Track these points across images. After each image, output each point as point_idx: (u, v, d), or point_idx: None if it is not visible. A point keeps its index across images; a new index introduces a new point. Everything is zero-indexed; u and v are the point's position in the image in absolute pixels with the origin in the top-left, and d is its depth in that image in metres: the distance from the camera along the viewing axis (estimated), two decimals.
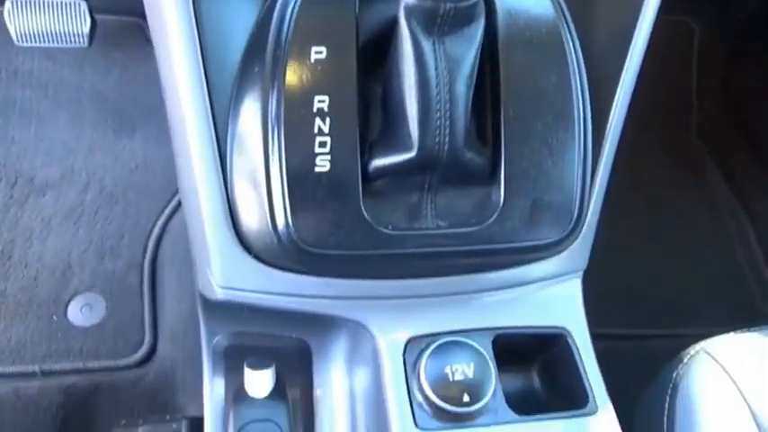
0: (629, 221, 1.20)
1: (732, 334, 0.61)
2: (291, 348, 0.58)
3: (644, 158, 1.28)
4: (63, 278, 1.04)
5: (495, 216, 0.46)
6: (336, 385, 0.57)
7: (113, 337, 0.99)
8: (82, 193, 1.12)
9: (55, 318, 1.00)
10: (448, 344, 0.49)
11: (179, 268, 1.04)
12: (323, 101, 0.43)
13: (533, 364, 0.56)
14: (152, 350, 0.98)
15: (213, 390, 0.56)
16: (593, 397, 0.49)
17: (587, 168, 0.48)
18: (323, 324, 0.55)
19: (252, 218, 0.46)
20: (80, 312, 1.01)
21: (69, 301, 1.02)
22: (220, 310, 0.56)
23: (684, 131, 1.37)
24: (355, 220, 0.44)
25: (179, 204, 1.11)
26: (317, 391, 0.57)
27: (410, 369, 0.48)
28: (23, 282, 1.03)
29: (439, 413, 0.46)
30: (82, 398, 0.92)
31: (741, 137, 1.33)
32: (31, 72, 1.19)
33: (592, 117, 0.49)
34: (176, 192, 1.12)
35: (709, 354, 0.59)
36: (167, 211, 1.10)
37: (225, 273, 0.48)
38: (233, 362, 0.57)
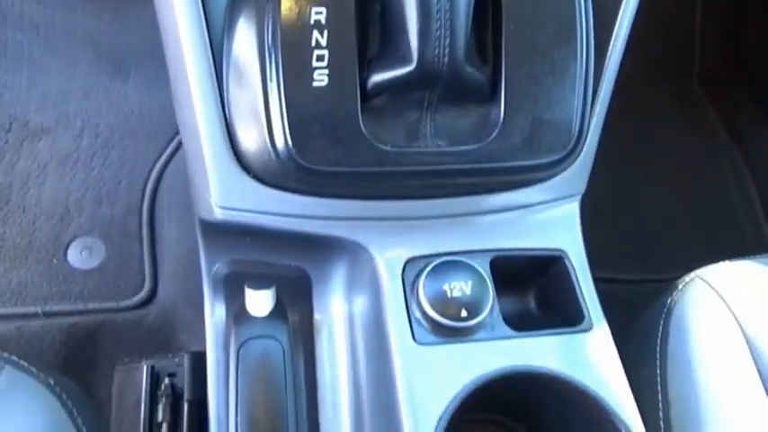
0: (628, 168, 1.20)
1: (727, 262, 0.61)
2: (291, 277, 0.58)
3: (645, 105, 1.27)
4: (61, 222, 1.04)
5: (494, 134, 0.46)
6: (336, 310, 0.57)
7: (114, 279, 1.00)
8: (77, 139, 1.11)
9: (55, 261, 1.01)
10: (446, 263, 0.49)
11: (177, 212, 1.04)
12: (320, 12, 0.43)
13: (530, 288, 0.56)
14: (152, 292, 0.99)
15: (214, 313, 0.57)
16: (589, 315, 0.50)
17: (588, 87, 0.48)
18: (321, 252, 0.56)
19: (249, 135, 0.46)
20: (80, 255, 1.02)
21: (69, 244, 1.02)
22: (220, 237, 0.56)
23: (686, 78, 1.35)
24: (354, 136, 0.44)
25: (176, 150, 1.11)
26: (317, 316, 0.58)
27: (409, 288, 0.49)
28: (22, 226, 1.03)
29: (437, 328, 0.47)
30: (84, 336, 0.93)
31: (743, 84, 1.32)
32: (21, 15, 1.17)
33: (594, 36, 0.49)
34: (173, 137, 1.11)
35: (704, 280, 0.59)
36: (164, 157, 1.09)
37: (223, 192, 0.48)
38: (233, 289, 0.58)
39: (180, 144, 1.10)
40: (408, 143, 0.46)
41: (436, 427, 0.44)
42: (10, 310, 0.96)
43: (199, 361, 0.78)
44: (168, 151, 1.09)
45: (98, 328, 0.95)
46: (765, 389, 0.53)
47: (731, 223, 1.23)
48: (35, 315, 0.95)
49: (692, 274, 0.61)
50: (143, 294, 0.98)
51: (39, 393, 0.48)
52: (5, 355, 0.51)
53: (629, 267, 1.12)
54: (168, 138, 1.11)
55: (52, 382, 0.49)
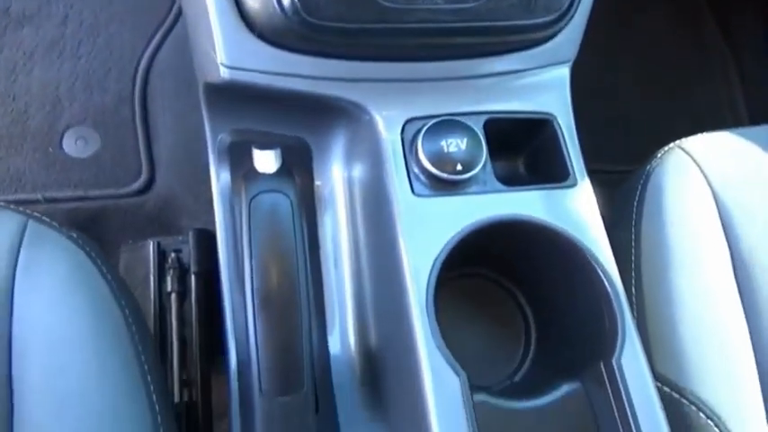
0: (621, 70, 1.20)
1: (706, 133, 0.65)
2: (292, 146, 0.61)
3: (642, 11, 1.26)
4: (54, 111, 1.04)
5: None
6: (336, 176, 0.61)
7: (111, 167, 1.01)
8: (61, 26, 1.08)
9: (50, 150, 1.02)
10: (443, 122, 0.52)
11: (170, 100, 1.04)
12: None
13: (520, 154, 0.60)
14: (150, 179, 1.01)
15: (219, 179, 0.60)
16: (574, 172, 0.54)
17: None
18: (322, 120, 0.58)
19: None
20: (74, 145, 1.02)
21: (63, 133, 1.03)
22: (223, 104, 0.58)
23: None
24: None
25: (164, 37, 1.09)
26: (317, 183, 0.61)
27: (407, 146, 0.52)
28: (14, 115, 1.03)
29: (434, 182, 0.51)
30: (87, 219, 0.96)
31: None
32: None
33: None
34: (160, 24, 1.09)
35: (682, 148, 0.63)
36: (153, 45, 1.08)
37: (229, 51, 0.50)
38: (236, 158, 0.61)
39: (169, 31, 1.08)
40: (408, 1, 0.47)
41: (432, 268, 0.48)
42: (10, 197, 0.98)
43: (203, 236, 0.81)
44: (157, 39, 1.08)
45: (100, 213, 0.98)
46: (729, 246, 0.59)
47: (717, 118, 1.26)
48: (36, 201, 0.98)
49: (672, 144, 0.64)
50: (141, 182, 1.00)
51: (63, 244, 0.52)
52: (27, 211, 0.54)
53: (615, 160, 1.15)
54: (156, 24, 1.09)
55: (74, 236, 0.53)
